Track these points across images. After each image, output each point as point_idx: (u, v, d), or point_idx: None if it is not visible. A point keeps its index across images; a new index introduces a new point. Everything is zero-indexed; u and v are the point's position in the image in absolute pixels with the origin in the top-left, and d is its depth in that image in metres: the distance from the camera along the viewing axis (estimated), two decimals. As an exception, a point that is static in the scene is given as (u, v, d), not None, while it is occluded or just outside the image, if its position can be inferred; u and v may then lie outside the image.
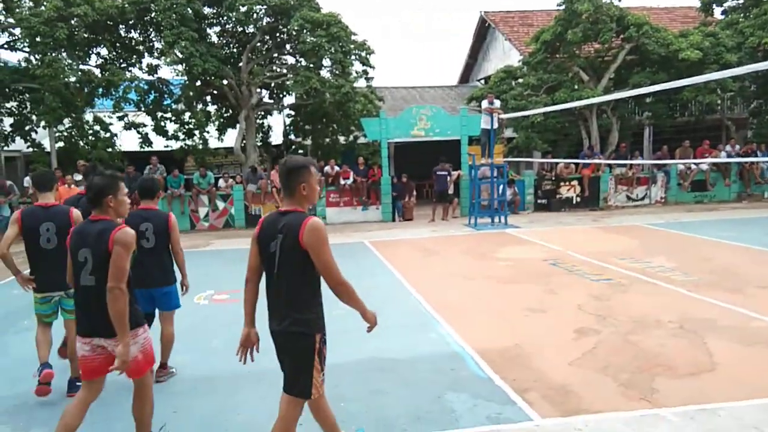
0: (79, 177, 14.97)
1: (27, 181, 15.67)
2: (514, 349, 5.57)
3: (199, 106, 17.68)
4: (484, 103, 14.61)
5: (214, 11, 17.10)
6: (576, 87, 17.92)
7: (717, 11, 20.24)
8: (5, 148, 17.95)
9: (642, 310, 6.68)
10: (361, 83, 17.73)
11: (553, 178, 17.35)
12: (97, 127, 17.05)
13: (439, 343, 5.87)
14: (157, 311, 5.32)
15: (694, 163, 17.15)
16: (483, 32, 25.80)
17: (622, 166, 17.22)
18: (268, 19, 17.07)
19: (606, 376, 4.87)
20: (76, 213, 4.87)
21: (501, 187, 15.08)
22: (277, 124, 20.51)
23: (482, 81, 25.53)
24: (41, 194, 4.97)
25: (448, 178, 16.04)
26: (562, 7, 17.72)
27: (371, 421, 4.22)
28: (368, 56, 17.43)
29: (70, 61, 15.65)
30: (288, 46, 17.96)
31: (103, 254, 3.48)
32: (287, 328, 3.25)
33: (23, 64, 16.11)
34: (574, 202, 17.15)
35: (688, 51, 16.51)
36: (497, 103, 14.65)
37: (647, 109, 19.41)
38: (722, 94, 18.65)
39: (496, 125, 14.45)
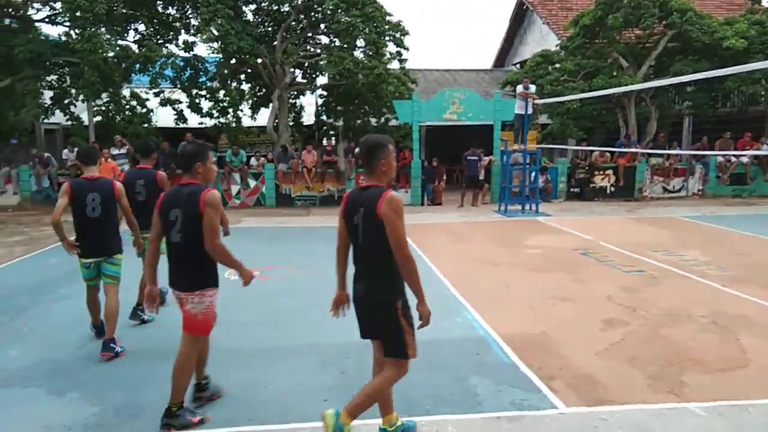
0: (115, 151, 15.33)
1: (65, 153, 16.05)
2: (541, 337, 5.55)
3: (233, 85, 17.78)
4: (519, 88, 14.40)
5: (251, -11, 17.14)
6: (615, 73, 17.52)
7: (765, -1, 19.52)
8: (45, 120, 18.38)
9: (673, 304, 6.58)
10: (394, 65, 17.62)
11: (588, 167, 17.06)
12: (133, 103, 17.31)
13: (465, 328, 5.88)
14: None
15: (735, 156, 16.68)
16: (520, 15, 25.34)
17: (659, 156, 16.84)
18: (304, -2, 17.05)
19: (633, 368, 4.82)
20: (119, 185, 5.41)
21: (533, 174, 14.90)
22: (309, 105, 20.55)
23: (518, 65, 25.12)
24: (86, 168, 5.41)
25: (479, 163, 15.91)
26: (604, -10, 17.28)
27: (396, 400, 4.24)
28: (402, 37, 17.29)
29: (108, 36, 15.87)
30: (322, 26, 17.92)
31: (191, 215, 3.80)
32: (371, 296, 3.48)
33: (63, 38, 16.40)
34: (608, 191, 16.85)
35: (732, 39, 15.98)
36: (532, 88, 14.41)
37: (688, 98, 18.88)
38: (767, 84, 18.05)
39: (530, 111, 14.24)
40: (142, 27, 17.50)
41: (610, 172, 16.85)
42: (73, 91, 16.37)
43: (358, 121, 18.56)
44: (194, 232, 3.81)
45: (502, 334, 5.61)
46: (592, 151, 17.04)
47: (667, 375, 4.67)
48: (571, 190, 17.02)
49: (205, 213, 3.77)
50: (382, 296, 3.44)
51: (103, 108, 16.74)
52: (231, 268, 4.08)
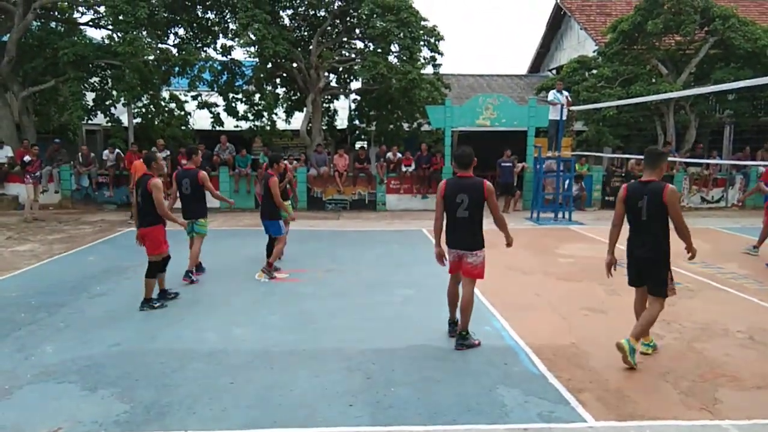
0: (159, 154, 15.68)
1: (105, 154, 16.46)
2: (571, 348, 5.46)
3: (269, 88, 18.00)
4: (551, 95, 14.22)
5: (288, -6, 17.36)
6: (653, 80, 17.17)
7: (813, 5, 18.92)
8: (88, 122, 18.89)
9: (709, 317, 6.40)
10: (428, 70, 17.61)
11: (623, 175, 16.74)
12: (172, 105, 17.68)
13: (493, 337, 5.82)
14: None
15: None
16: (558, 20, 25.06)
17: (697, 166, 16.43)
18: (339, 3, 17.18)
19: (666, 383, 4.70)
20: (202, 174, 7.88)
21: (567, 181, 14.69)
22: (342, 109, 20.68)
23: (554, 71, 24.86)
24: (186, 159, 8.54)
25: (513, 169, 15.77)
26: (643, -5, 16.99)
27: (422, 407, 4.24)
28: (437, 42, 17.28)
29: (149, 40, 16.25)
30: (357, 31, 18.02)
31: (477, 198, 5.31)
32: (651, 257, 5.09)
33: (106, 42, 16.87)
34: (644, 200, 16.46)
35: (777, 46, 15.53)
36: (560, 98, 14.15)
37: (729, 106, 18.38)
38: (813, 93, 17.49)
39: (565, 117, 14.06)
40: (181, 31, 17.88)
41: (646, 180, 16.46)
42: (114, 93, 16.79)
43: (391, 126, 18.59)
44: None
45: (531, 344, 5.54)
46: (628, 159, 16.71)
47: (700, 391, 4.54)
48: (606, 198, 16.72)
49: (488, 197, 5.35)
50: (658, 255, 5.05)
51: (143, 110, 17.13)
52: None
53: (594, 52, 19.67)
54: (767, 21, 19.56)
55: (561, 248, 10.55)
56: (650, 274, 5.13)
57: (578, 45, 22.99)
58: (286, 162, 8.76)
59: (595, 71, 18.46)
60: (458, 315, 5.57)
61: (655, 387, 4.63)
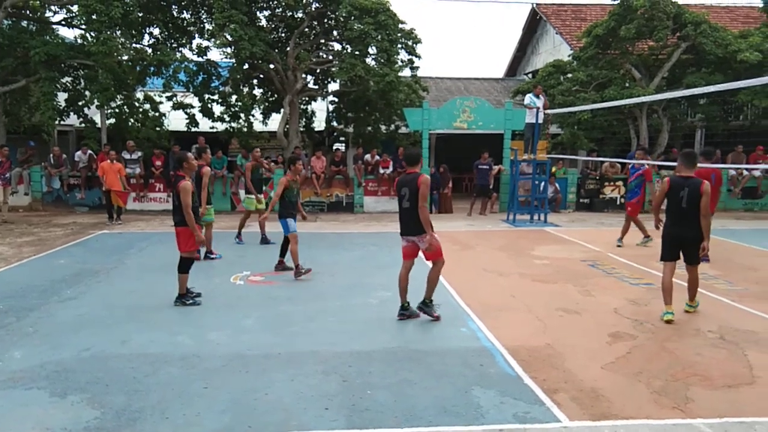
0: (128, 156, 15.49)
1: (78, 155, 16.17)
2: (546, 349, 5.50)
3: (246, 90, 17.86)
4: (527, 98, 14.35)
5: (265, -5, 17.25)
6: (627, 84, 17.44)
7: (781, 12, 19.32)
8: (60, 123, 18.53)
9: (681, 318, 6.51)
10: (406, 72, 17.65)
11: (598, 178, 16.97)
12: (146, 106, 17.42)
13: (469, 338, 5.84)
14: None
15: (747, 169, 16.52)
16: (533, 25, 25.34)
17: (669, 169, 16.69)
18: (317, 5, 17.11)
19: (639, 382, 4.76)
20: (206, 170, 9.02)
21: (542, 184, 14.84)
22: (320, 111, 20.62)
23: (530, 75, 25.10)
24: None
25: (490, 172, 15.87)
26: (617, 1, 17.23)
27: (399, 410, 4.23)
28: (415, 45, 17.32)
29: (123, 40, 16.02)
30: (335, 33, 17.98)
31: (414, 190, 6.04)
32: (694, 235, 6.32)
33: (79, 41, 16.58)
34: (618, 203, 16.73)
35: (747, 52, 15.88)
36: (543, 98, 14.33)
37: (700, 110, 18.76)
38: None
39: (541, 120, 14.20)
40: (156, 31, 17.63)
41: (620, 183, 16.74)
42: (88, 93, 16.50)
43: (369, 128, 18.59)
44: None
45: (506, 345, 5.57)
46: (602, 162, 16.95)
47: (672, 390, 4.61)
48: (581, 200, 16.93)
49: (420, 189, 6.04)
50: (698, 234, 6.29)
51: (117, 110, 16.87)
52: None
53: (569, 56, 19.91)
54: (738, 27, 20.00)
55: (536, 250, 10.64)
56: (692, 249, 6.39)
57: (554, 49, 23.26)
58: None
59: (570, 75, 18.68)
60: (431, 297, 6.37)
61: (629, 387, 4.69)
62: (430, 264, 6.38)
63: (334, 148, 19.40)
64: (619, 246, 10.86)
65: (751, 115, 19.25)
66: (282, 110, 17.72)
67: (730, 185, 16.96)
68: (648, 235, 10.92)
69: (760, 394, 4.56)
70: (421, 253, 6.34)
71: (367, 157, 16.69)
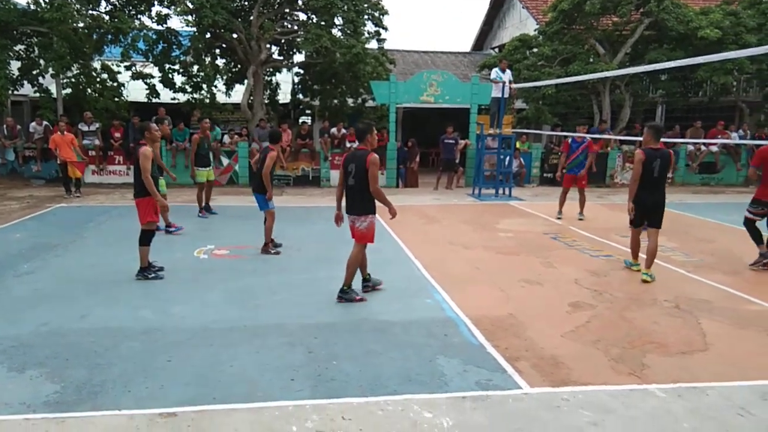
0: (85, 128, 15.00)
1: (32, 126, 15.60)
2: (508, 319, 5.61)
3: (208, 60, 17.37)
4: (493, 73, 14.36)
5: (228, -39, 16.71)
6: (591, 60, 17.60)
7: (741, -10, 19.68)
8: (13, 92, 17.80)
9: (639, 288, 6.71)
10: (372, 45, 17.43)
11: (561, 152, 17.15)
12: (104, 75, 16.83)
13: (434, 309, 5.91)
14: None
15: (704, 144, 16.95)
16: (500, -1, 25.27)
17: (631, 144, 17.02)
18: (281, -27, 16.72)
19: (597, 350, 4.90)
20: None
21: (507, 158, 14.96)
22: (285, 83, 20.26)
23: (496, 49, 25.11)
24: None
25: (456, 146, 15.91)
26: (583, -24, 17.28)
27: (364, 379, 4.27)
28: (381, 17, 17.11)
29: (79, 6, 15.37)
30: (300, 2, 17.58)
31: (361, 168, 5.79)
32: (662, 201, 6.99)
33: (32, 7, 15.84)
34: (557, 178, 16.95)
35: (707, 29, 16.14)
36: (508, 73, 14.35)
37: (661, 86, 19.08)
38: (739, 75, 18.33)
39: (507, 95, 14.25)
40: (114, -4, 16.98)
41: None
42: (42, 62, 15.86)
43: (335, 101, 18.37)
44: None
45: (470, 315, 5.66)
46: (565, 137, 17.12)
47: (629, 357, 4.76)
48: (545, 175, 17.14)
49: (369, 168, 5.79)
50: (664, 200, 6.99)
51: (73, 80, 16.27)
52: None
53: (535, 30, 19.95)
54: (699, 4, 20.28)
55: (501, 223, 10.78)
56: (655, 214, 6.97)
57: (520, 24, 23.27)
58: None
59: (535, 50, 18.75)
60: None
61: (587, 354, 4.82)
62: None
63: (300, 121, 19.14)
64: (580, 219, 11.06)
65: (709, 91, 19.70)
66: (246, 81, 17.33)
67: (689, 160, 17.39)
68: (562, 213, 11.39)
69: (712, 360, 4.75)
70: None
71: (334, 130, 16.53)
